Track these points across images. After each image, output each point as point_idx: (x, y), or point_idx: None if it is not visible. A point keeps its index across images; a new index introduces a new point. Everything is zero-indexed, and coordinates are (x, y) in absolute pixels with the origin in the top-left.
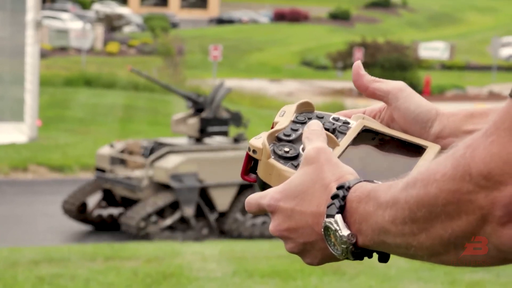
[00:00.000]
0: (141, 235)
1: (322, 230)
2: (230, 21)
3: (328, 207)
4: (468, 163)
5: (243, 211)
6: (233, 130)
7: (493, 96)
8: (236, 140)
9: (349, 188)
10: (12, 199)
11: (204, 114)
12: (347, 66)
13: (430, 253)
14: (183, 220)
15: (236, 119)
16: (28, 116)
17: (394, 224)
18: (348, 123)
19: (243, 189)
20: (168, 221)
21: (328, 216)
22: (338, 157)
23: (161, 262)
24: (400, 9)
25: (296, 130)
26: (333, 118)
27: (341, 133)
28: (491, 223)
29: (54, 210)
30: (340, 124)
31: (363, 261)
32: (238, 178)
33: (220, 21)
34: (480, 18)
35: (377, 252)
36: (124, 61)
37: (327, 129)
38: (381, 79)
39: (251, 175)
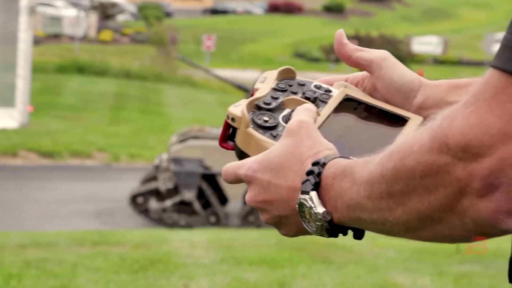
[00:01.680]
0: (140, 211)
1: (297, 206)
2: (224, 12)
3: (303, 183)
4: (445, 134)
5: None
6: None
7: None
8: None
9: (324, 164)
10: (1, 184)
11: None
12: (340, 59)
13: (406, 228)
14: (188, 204)
15: None
16: (19, 102)
17: (370, 199)
18: (330, 91)
19: None
20: (168, 203)
21: (303, 192)
22: (319, 127)
23: (149, 248)
24: (395, 3)
25: (276, 98)
26: (315, 86)
27: (323, 101)
28: (469, 195)
29: (43, 196)
30: (321, 92)
31: (352, 251)
32: None
33: (214, 12)
34: (474, 14)
35: (352, 229)
36: (117, 49)
37: (308, 98)
38: (364, 48)
39: (229, 142)
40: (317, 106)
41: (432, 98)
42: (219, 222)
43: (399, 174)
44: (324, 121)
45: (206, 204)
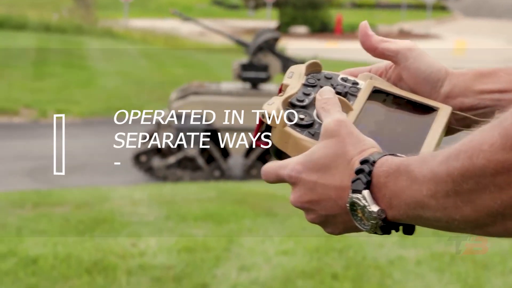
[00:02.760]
0: (145, 169)
1: (348, 205)
2: None
3: (353, 182)
4: None
5: (260, 159)
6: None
7: (404, 34)
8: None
9: (374, 162)
10: None
11: (244, 60)
12: (259, 5)
13: (474, 225)
14: (191, 160)
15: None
16: None
17: (434, 198)
18: (357, 83)
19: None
20: (172, 159)
21: (355, 191)
22: (354, 122)
23: (91, 207)
24: None
25: (308, 95)
26: (342, 79)
27: (352, 95)
28: None
29: None
30: (350, 85)
31: None
32: (253, 124)
33: None
34: None
35: (403, 225)
36: (33, 1)
37: (339, 93)
38: (389, 39)
39: (263, 140)
40: (348, 100)
41: (459, 87)
42: (223, 175)
43: (468, 173)
44: (357, 116)
45: (209, 159)
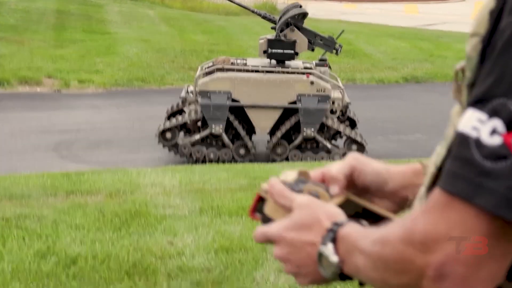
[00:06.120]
0: (170, 146)
1: (317, 255)
2: None
3: (323, 237)
4: (413, 232)
5: (285, 136)
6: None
7: None
8: (280, 62)
9: (341, 225)
10: None
11: (270, 36)
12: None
13: None
14: (216, 137)
15: (328, 44)
16: None
17: (364, 268)
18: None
19: (289, 114)
20: (197, 136)
21: (323, 244)
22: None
23: (124, 197)
24: None
25: (299, 184)
26: (326, 189)
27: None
28: (427, 280)
29: None
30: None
31: None
32: (280, 102)
33: None
34: None
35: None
36: None
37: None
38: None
39: (257, 214)
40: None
41: (402, 184)
42: (249, 153)
43: (380, 258)
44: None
45: (234, 136)
